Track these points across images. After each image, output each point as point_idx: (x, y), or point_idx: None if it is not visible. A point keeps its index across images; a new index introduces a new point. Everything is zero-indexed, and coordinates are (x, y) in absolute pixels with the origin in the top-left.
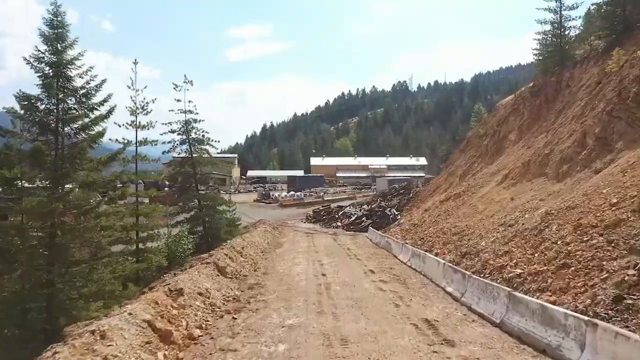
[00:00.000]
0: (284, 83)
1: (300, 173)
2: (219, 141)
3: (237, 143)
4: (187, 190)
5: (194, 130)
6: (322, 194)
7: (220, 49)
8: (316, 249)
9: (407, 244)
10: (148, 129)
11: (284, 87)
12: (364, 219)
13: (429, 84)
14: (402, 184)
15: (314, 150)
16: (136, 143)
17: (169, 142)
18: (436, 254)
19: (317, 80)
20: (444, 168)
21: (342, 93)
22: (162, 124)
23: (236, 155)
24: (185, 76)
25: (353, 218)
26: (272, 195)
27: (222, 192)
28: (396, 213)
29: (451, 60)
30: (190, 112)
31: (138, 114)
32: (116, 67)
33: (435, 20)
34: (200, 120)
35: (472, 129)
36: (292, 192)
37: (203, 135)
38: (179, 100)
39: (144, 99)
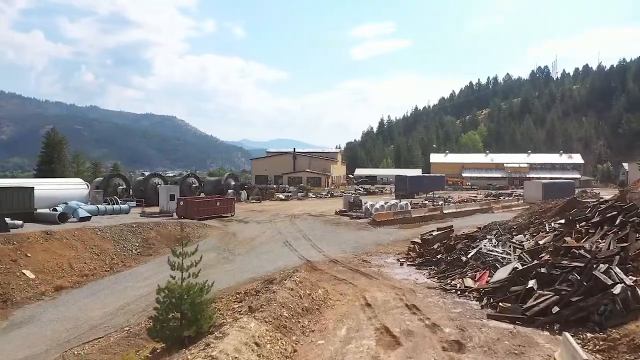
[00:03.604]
0: (405, 80)
1: (417, 172)
2: None
3: (354, 140)
4: None
5: None
6: (440, 203)
7: (344, 49)
8: None
9: None
10: None
11: (405, 83)
12: (532, 284)
13: (577, 69)
14: (591, 193)
15: (434, 146)
16: None
17: None
18: None
19: (439, 76)
20: None
21: (470, 82)
22: None
23: (338, 150)
24: None
25: (502, 275)
26: (365, 204)
27: (310, 194)
28: (627, 284)
29: (595, 47)
30: None
31: None
32: (248, 70)
33: (569, 8)
34: None
35: None
36: (394, 201)
37: None
38: None
39: None
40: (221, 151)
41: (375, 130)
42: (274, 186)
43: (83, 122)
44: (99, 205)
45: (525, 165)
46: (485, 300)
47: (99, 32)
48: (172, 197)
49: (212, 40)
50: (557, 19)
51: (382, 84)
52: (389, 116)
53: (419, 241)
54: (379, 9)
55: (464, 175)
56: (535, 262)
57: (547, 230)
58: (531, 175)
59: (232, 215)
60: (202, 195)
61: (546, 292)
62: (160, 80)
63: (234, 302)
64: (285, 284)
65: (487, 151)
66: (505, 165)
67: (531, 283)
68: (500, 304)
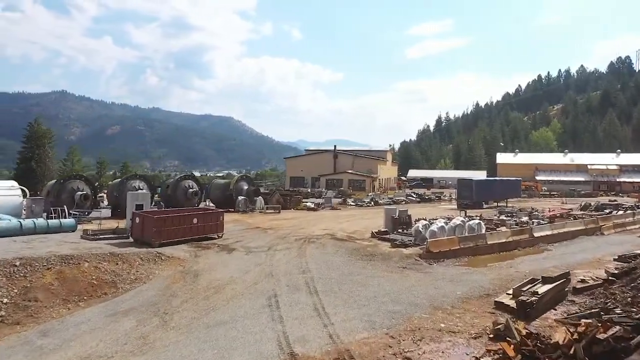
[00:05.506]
0: (464, 79)
1: (481, 175)
2: None
3: (410, 139)
4: None
5: None
6: (524, 218)
7: (399, 49)
8: None
9: None
10: None
11: (464, 83)
12: None
13: None
14: None
15: (502, 144)
16: None
17: None
18: None
19: (501, 74)
20: None
21: (539, 76)
22: None
23: (388, 149)
24: None
25: None
26: (415, 224)
27: (349, 200)
28: None
29: None
30: None
31: None
32: (304, 72)
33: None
34: None
35: None
36: (459, 220)
37: None
38: None
39: None
40: (277, 151)
41: (432, 128)
42: (308, 190)
43: (145, 122)
44: (24, 221)
45: (615, 167)
46: None
47: (162, 37)
48: (139, 208)
49: (269, 42)
50: (626, 10)
51: (438, 83)
52: (447, 113)
53: (513, 305)
54: (437, 7)
55: (537, 178)
56: None
57: None
58: (623, 180)
59: (219, 237)
60: (207, 203)
61: None
62: (219, 82)
63: None
64: None
65: (566, 150)
66: (588, 166)
67: None
68: None
